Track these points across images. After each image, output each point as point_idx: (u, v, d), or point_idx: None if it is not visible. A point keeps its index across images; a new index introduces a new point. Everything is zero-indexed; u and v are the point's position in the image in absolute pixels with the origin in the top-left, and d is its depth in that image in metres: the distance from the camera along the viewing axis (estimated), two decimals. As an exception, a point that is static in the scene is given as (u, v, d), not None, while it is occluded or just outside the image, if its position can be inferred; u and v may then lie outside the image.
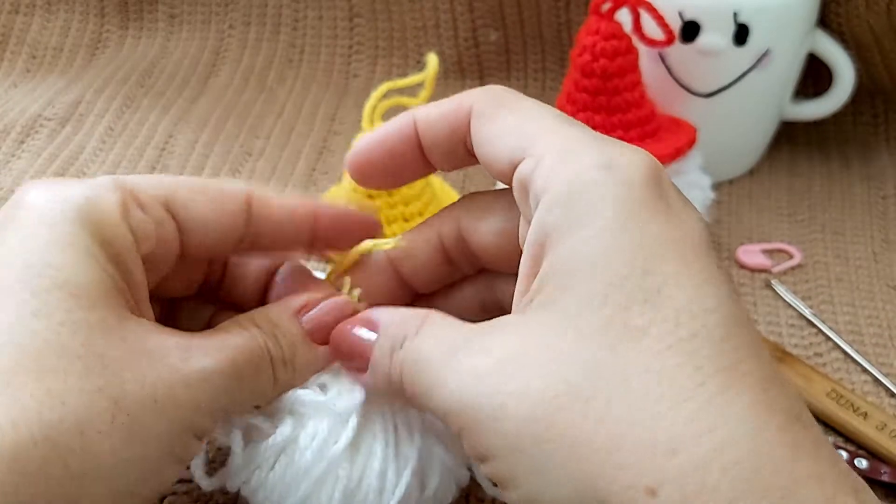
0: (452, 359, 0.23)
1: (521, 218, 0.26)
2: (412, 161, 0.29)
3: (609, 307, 0.22)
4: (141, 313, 0.26)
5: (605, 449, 0.20)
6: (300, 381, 0.28)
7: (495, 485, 0.24)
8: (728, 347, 0.21)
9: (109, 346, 0.23)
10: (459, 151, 0.28)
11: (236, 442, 0.28)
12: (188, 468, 0.28)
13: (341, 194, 0.47)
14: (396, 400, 0.28)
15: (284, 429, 0.27)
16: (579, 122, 0.26)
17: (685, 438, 0.20)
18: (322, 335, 0.28)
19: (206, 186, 0.28)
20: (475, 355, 0.23)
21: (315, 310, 0.29)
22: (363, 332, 0.27)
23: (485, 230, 0.28)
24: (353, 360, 0.27)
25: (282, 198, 0.29)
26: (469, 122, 0.27)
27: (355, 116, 0.59)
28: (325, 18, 0.65)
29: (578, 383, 0.21)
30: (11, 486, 0.20)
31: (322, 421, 0.27)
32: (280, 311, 0.28)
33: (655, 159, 0.24)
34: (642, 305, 0.22)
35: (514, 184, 0.25)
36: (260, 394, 0.27)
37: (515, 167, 0.25)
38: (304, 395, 0.28)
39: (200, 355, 0.25)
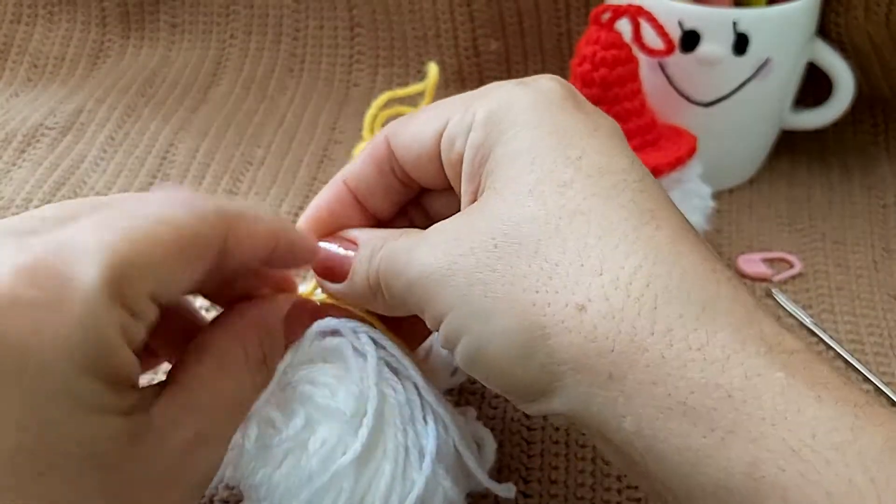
0: (417, 246, 0.26)
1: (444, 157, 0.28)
2: (357, 214, 0.31)
3: (536, 171, 0.25)
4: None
5: (540, 280, 0.23)
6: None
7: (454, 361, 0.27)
8: (647, 196, 0.24)
9: (95, 437, 0.21)
10: (394, 184, 0.31)
11: (249, 436, 0.27)
12: None
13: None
14: (371, 306, 0.29)
15: (296, 423, 0.27)
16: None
17: (611, 260, 0.23)
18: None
19: (188, 244, 0.24)
20: (433, 236, 0.26)
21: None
22: (342, 249, 0.29)
23: (412, 154, 0.30)
24: (334, 271, 0.29)
25: (254, 228, 0.27)
26: (389, 149, 0.30)
27: (356, 125, 0.59)
28: (325, 28, 0.66)
29: (514, 233, 0.24)
30: None
31: (333, 426, 0.27)
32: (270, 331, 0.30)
33: (569, 84, 0.28)
34: (565, 167, 0.25)
35: (443, 143, 0.28)
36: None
37: (440, 138, 0.28)
38: (317, 395, 0.28)
39: (181, 429, 0.24)
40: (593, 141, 0.25)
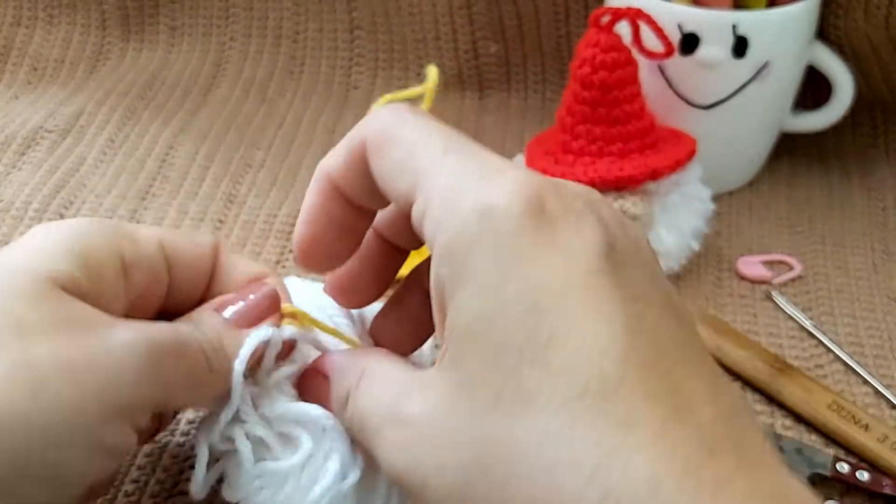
0: (383, 427, 0.24)
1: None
2: (354, 219, 0.28)
3: (500, 372, 0.21)
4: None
5: None
6: (231, 361, 0.28)
7: None
8: (623, 393, 0.20)
9: (28, 314, 0.24)
10: (374, 190, 0.27)
11: (246, 455, 0.28)
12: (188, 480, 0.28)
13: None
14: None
15: (304, 447, 0.27)
16: (467, 145, 0.25)
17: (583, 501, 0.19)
18: (246, 324, 0.28)
19: (183, 236, 0.30)
20: (398, 428, 0.23)
21: (237, 305, 0.29)
22: (319, 383, 0.28)
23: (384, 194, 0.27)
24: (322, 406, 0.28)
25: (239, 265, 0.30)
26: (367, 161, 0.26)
27: (356, 128, 0.59)
28: (325, 31, 0.66)
29: (483, 456, 0.21)
30: None
31: (334, 452, 0.27)
32: (200, 310, 0.29)
33: (538, 178, 0.23)
34: (531, 367, 0.21)
35: (413, 224, 0.24)
36: (196, 378, 0.27)
37: (411, 205, 0.24)
38: (318, 414, 0.28)
39: (124, 329, 0.25)
40: (562, 305, 0.21)
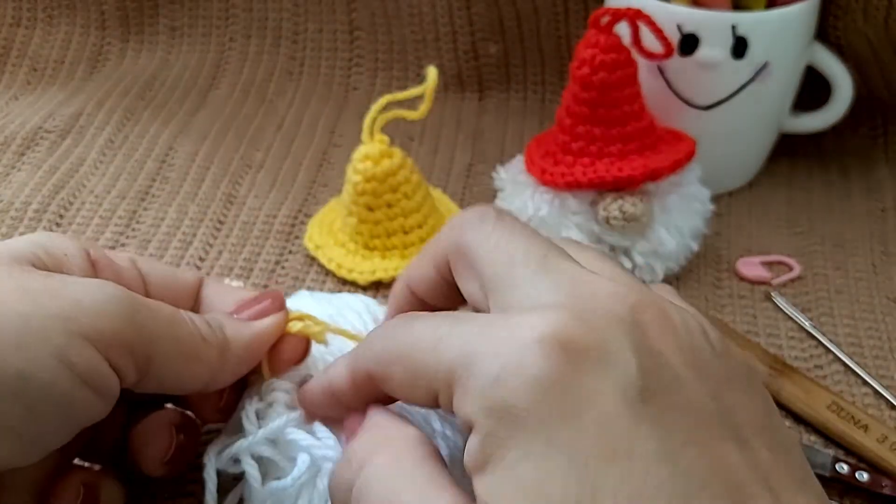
0: None
1: None
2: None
3: None
4: None
5: None
6: (243, 354, 0.29)
7: None
8: None
9: (24, 280, 0.25)
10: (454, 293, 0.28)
11: (253, 475, 0.28)
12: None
13: (341, 207, 0.47)
14: None
15: (303, 467, 0.27)
16: (460, 319, 0.24)
17: None
18: (249, 316, 0.30)
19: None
20: None
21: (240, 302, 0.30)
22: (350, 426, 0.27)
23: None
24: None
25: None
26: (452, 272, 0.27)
27: (355, 129, 0.59)
28: (325, 31, 0.66)
29: None
30: None
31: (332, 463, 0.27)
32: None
33: (561, 319, 0.21)
34: None
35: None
36: (183, 342, 0.27)
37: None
38: (320, 434, 0.28)
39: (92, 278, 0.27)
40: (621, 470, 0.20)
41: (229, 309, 0.30)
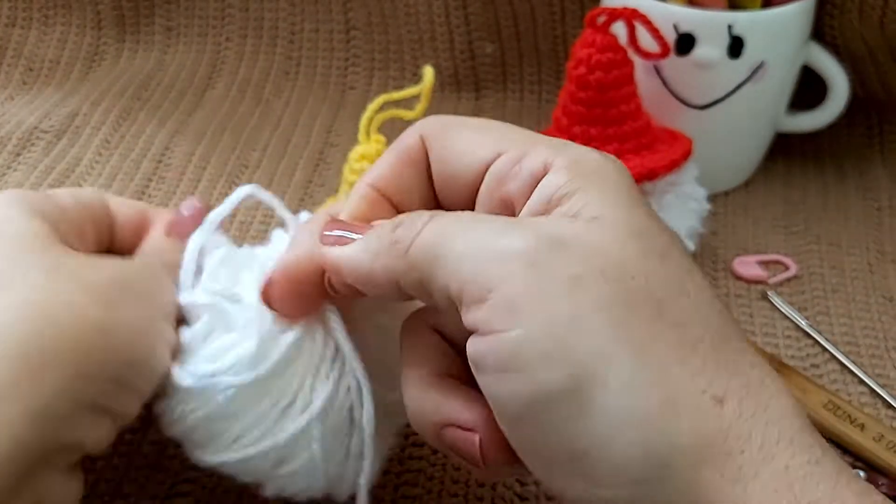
0: (498, 231, 0.23)
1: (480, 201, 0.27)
2: None
3: (652, 239, 0.24)
4: None
5: (671, 348, 0.22)
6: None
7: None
8: (716, 307, 0.24)
9: (61, 259, 0.28)
10: (431, 188, 0.28)
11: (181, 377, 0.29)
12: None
13: (338, 207, 0.47)
14: (374, 272, 0.26)
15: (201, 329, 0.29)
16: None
17: (741, 365, 0.22)
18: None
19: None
20: (504, 261, 0.23)
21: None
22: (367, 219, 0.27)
23: (447, 174, 0.28)
24: (340, 236, 0.27)
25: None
26: (426, 152, 0.27)
27: (352, 128, 0.59)
28: (321, 31, 0.66)
29: (633, 283, 0.23)
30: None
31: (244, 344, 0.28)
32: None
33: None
34: (679, 270, 0.24)
35: (488, 179, 0.26)
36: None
37: (486, 169, 0.26)
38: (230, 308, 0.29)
39: (135, 260, 0.31)
40: (666, 258, 0.24)
41: (161, 230, 0.33)
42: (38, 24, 0.67)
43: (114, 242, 0.33)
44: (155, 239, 0.33)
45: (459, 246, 0.23)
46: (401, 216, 0.25)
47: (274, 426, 0.28)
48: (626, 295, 0.22)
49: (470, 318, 0.23)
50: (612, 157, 0.26)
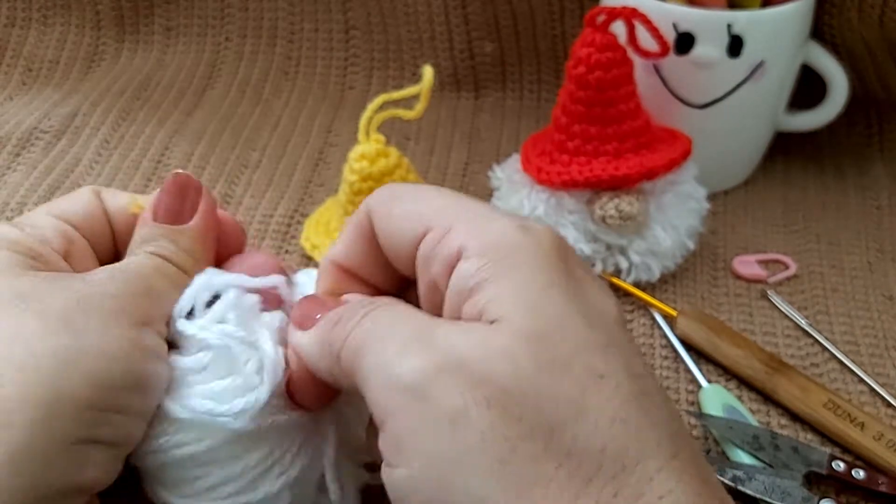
0: (407, 346, 0.23)
1: (420, 284, 0.26)
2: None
3: (568, 341, 0.22)
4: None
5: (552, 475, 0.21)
6: (205, 256, 0.30)
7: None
8: (663, 401, 0.22)
9: (15, 285, 0.26)
10: (383, 261, 0.28)
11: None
12: None
13: (337, 207, 0.47)
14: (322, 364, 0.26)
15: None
16: (470, 198, 0.27)
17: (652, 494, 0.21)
18: (179, 214, 0.30)
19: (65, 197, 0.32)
20: (423, 351, 0.22)
21: (159, 204, 0.31)
22: (326, 304, 0.27)
23: (392, 250, 0.28)
24: (305, 318, 0.27)
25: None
26: (372, 226, 0.27)
27: (351, 128, 0.59)
28: (321, 31, 0.66)
29: (531, 413, 0.21)
30: None
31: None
32: (138, 229, 0.31)
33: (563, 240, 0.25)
34: (594, 352, 0.22)
35: (418, 261, 0.25)
36: (174, 278, 0.29)
37: (418, 246, 0.25)
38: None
39: (98, 272, 0.28)
40: (588, 333, 0.22)
41: (144, 216, 0.31)
42: (37, 23, 0.67)
43: (116, 240, 0.31)
44: (143, 228, 0.30)
45: (371, 363, 0.23)
46: (340, 310, 0.25)
47: (250, 484, 0.27)
48: (511, 428, 0.20)
49: (378, 442, 0.23)
50: (539, 228, 0.25)
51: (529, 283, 0.23)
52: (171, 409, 0.27)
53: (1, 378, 0.23)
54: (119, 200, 0.31)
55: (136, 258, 0.29)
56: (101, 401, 0.25)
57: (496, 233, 0.24)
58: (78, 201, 0.31)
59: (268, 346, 0.28)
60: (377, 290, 0.28)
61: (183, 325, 0.28)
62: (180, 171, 0.31)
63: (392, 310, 0.24)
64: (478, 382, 0.21)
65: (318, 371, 0.26)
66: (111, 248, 0.31)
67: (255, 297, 0.29)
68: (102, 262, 0.30)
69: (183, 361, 0.28)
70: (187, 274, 0.29)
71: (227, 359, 0.28)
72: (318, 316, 0.26)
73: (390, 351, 0.22)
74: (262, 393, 0.27)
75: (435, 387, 0.21)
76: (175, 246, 0.29)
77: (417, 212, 0.26)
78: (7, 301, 0.25)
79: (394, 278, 0.28)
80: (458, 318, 0.23)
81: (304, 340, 0.26)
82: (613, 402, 0.21)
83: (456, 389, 0.21)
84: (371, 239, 0.27)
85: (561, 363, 0.21)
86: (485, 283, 0.23)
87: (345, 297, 0.28)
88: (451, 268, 0.24)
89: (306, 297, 0.28)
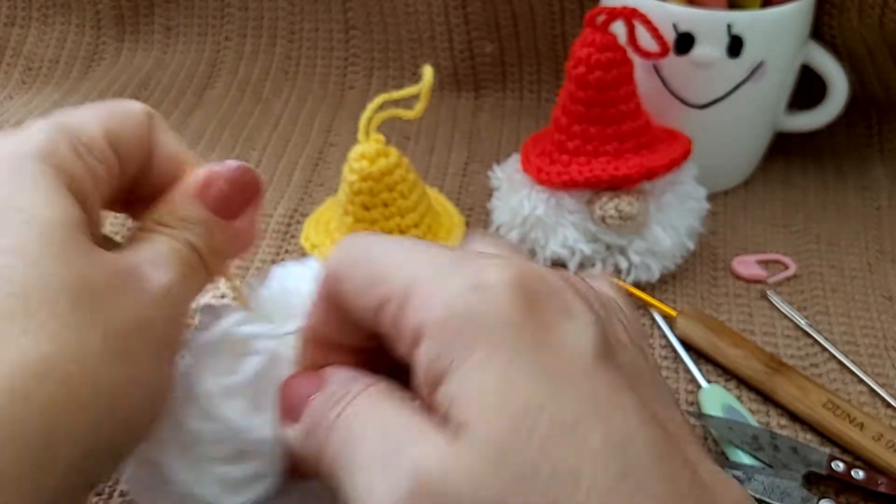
0: (377, 467, 0.21)
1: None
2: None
3: (533, 446, 0.19)
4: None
5: None
6: (223, 260, 0.27)
7: None
8: (661, 473, 0.20)
9: (87, 276, 0.22)
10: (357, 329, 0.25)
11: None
12: None
13: (337, 206, 0.47)
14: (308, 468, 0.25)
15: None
16: (428, 244, 0.24)
17: None
18: (229, 211, 0.27)
19: (119, 109, 0.28)
20: (397, 476, 0.21)
21: (214, 189, 0.27)
22: (307, 386, 0.25)
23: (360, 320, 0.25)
24: (291, 409, 0.25)
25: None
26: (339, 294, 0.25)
27: (351, 128, 0.59)
28: (320, 30, 0.66)
29: None
30: (13, 415, 0.20)
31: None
32: (182, 202, 0.27)
33: (518, 261, 0.22)
34: (568, 446, 0.19)
35: (385, 339, 0.23)
36: (199, 287, 0.26)
37: (375, 319, 0.23)
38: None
39: (158, 273, 0.24)
40: (562, 396, 0.20)
41: (189, 189, 0.28)
42: (37, 23, 0.67)
43: (142, 181, 0.27)
44: (187, 203, 0.27)
45: (347, 488, 0.21)
46: (316, 410, 0.24)
47: None
48: None
49: None
50: (494, 279, 0.21)
51: (488, 367, 0.20)
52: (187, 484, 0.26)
53: (53, 408, 0.21)
54: (169, 145, 0.28)
55: (178, 248, 0.26)
56: (125, 449, 0.23)
57: (450, 300, 0.21)
58: (130, 124, 0.27)
59: (274, 429, 0.26)
60: (362, 352, 0.26)
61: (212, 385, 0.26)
62: (245, 163, 0.28)
63: (365, 409, 0.22)
64: None
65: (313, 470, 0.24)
66: (129, 178, 0.28)
67: (285, 365, 0.27)
68: (110, 185, 0.26)
69: (198, 427, 0.26)
70: (207, 277, 0.27)
71: (239, 440, 0.26)
72: (308, 397, 0.24)
73: (361, 478, 0.21)
74: (272, 483, 0.26)
75: None
76: (210, 240, 0.26)
77: (374, 277, 0.23)
78: (75, 299, 0.22)
79: (374, 337, 0.25)
80: (432, 405, 0.21)
81: (292, 436, 0.25)
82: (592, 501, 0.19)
83: None
84: (340, 306, 0.24)
85: (528, 474, 0.19)
86: (446, 373, 0.21)
87: (327, 371, 0.25)
88: (415, 348, 0.21)
89: (286, 383, 0.26)
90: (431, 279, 0.22)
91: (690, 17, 0.47)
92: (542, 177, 0.45)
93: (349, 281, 0.24)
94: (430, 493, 0.20)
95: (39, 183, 0.23)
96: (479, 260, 0.22)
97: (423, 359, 0.21)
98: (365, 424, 0.22)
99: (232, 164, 0.28)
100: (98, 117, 0.26)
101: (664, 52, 0.45)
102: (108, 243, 0.27)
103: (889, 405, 0.40)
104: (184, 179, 0.28)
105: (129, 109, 0.28)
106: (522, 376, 0.20)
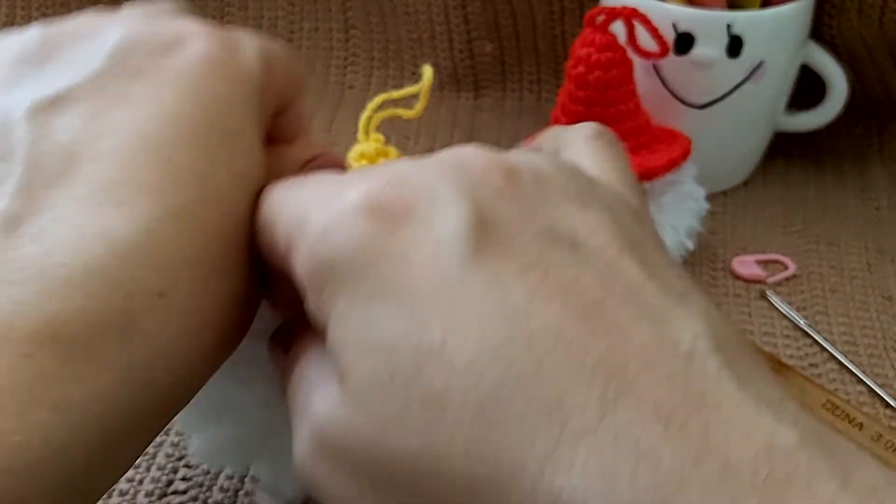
0: (297, 415, 0.21)
1: None
2: None
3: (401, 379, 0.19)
4: None
5: None
6: None
7: None
8: (546, 376, 0.18)
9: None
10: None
11: None
12: None
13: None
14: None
15: None
16: (321, 178, 0.23)
17: None
18: None
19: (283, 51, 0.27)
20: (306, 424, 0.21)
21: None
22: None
23: None
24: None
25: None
26: None
27: (351, 128, 0.59)
28: (320, 30, 0.66)
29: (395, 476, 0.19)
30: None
31: None
32: (289, 163, 0.26)
33: (382, 177, 0.21)
34: (435, 369, 0.18)
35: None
36: None
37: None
38: None
39: None
40: (445, 306, 0.18)
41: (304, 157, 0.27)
42: (37, 23, 0.67)
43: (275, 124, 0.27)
44: (289, 164, 0.26)
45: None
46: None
47: None
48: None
49: None
50: (352, 207, 0.20)
51: (352, 311, 0.19)
52: None
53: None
54: (303, 105, 0.28)
55: None
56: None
57: (312, 247, 0.20)
58: (293, 67, 0.27)
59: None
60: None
61: None
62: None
63: (296, 358, 0.22)
64: (337, 458, 0.19)
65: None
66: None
67: None
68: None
69: None
70: None
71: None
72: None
73: (293, 422, 0.21)
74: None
75: (318, 475, 0.20)
76: None
77: (271, 231, 0.22)
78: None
79: None
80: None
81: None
82: None
83: (332, 476, 0.19)
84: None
85: (397, 414, 0.18)
86: (327, 324, 0.20)
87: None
88: (307, 304, 0.21)
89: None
90: (302, 223, 0.21)
91: (690, 17, 0.47)
92: (542, 177, 0.45)
93: (262, 243, 0.23)
94: (324, 445, 0.19)
95: (255, 140, 0.24)
96: (342, 185, 0.21)
97: (311, 314, 0.20)
98: (293, 374, 0.22)
99: (340, 160, 0.28)
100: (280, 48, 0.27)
101: (664, 52, 0.45)
102: None
103: (888, 405, 0.40)
104: (296, 144, 0.27)
105: (290, 54, 0.28)
106: (382, 309, 0.18)
